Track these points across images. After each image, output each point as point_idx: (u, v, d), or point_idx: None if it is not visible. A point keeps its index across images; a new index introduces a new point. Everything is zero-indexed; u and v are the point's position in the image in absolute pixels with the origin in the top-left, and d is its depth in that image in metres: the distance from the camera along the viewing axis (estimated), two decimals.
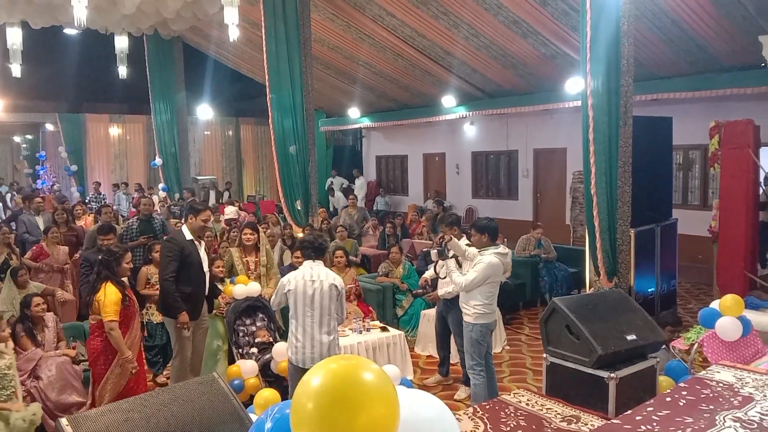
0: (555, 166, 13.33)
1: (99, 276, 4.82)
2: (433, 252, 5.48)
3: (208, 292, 5.49)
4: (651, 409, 2.94)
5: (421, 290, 6.09)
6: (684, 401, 3.01)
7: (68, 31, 13.60)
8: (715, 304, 4.91)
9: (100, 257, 5.02)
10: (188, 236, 5.28)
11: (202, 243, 5.49)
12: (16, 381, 4.46)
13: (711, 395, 3.06)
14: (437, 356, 6.23)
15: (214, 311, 5.80)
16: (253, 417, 2.72)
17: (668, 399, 3.06)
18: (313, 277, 4.67)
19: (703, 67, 9.36)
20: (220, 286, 5.92)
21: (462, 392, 5.75)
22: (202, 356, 5.60)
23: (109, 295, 4.65)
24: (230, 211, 12.38)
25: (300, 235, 9.14)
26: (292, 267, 6.65)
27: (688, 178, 11.15)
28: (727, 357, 4.48)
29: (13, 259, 7.38)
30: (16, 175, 20.97)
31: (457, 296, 5.61)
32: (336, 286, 4.68)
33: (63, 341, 5.53)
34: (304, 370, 4.57)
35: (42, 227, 8.33)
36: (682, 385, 3.30)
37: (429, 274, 6.00)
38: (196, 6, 11.15)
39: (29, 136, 20.24)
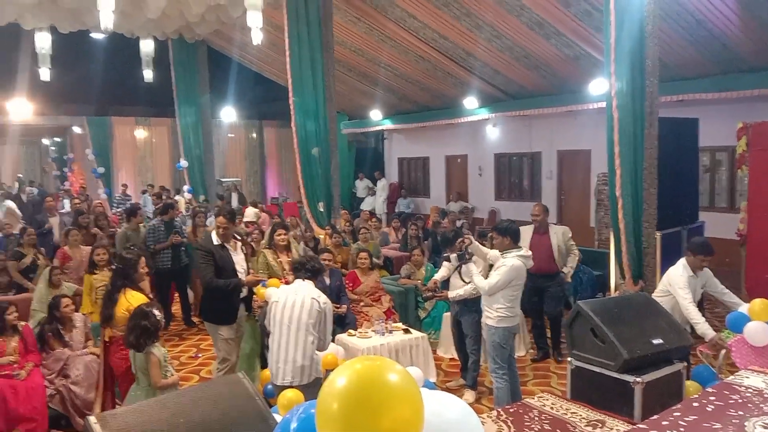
0: (579, 167, 13.22)
1: (115, 286, 4.72)
2: (453, 256, 5.45)
3: (246, 294, 5.52)
4: (678, 414, 2.91)
5: (430, 293, 6.05)
6: (712, 407, 2.97)
7: (95, 35, 13.80)
8: (743, 308, 4.83)
9: (113, 268, 4.98)
10: (216, 241, 5.34)
11: (237, 244, 5.53)
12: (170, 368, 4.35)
13: (740, 401, 3.01)
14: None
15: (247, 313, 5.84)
16: (278, 417, 2.74)
17: (695, 404, 3.02)
18: (297, 291, 4.61)
19: (729, 68, 9.23)
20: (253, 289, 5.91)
21: (469, 396, 5.71)
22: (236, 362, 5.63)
23: (137, 303, 4.48)
24: (249, 214, 12.46)
25: (321, 236, 9.20)
26: None
27: (714, 180, 11.00)
28: (756, 362, 4.41)
29: (40, 259, 7.53)
30: (44, 176, 21.38)
31: (470, 298, 5.60)
32: (318, 301, 4.51)
33: (91, 340, 5.62)
34: (278, 386, 4.46)
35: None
36: (710, 390, 3.26)
37: (439, 275, 5.96)
38: (220, 10, 11.26)
39: (57, 139, 20.62)
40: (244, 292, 5.50)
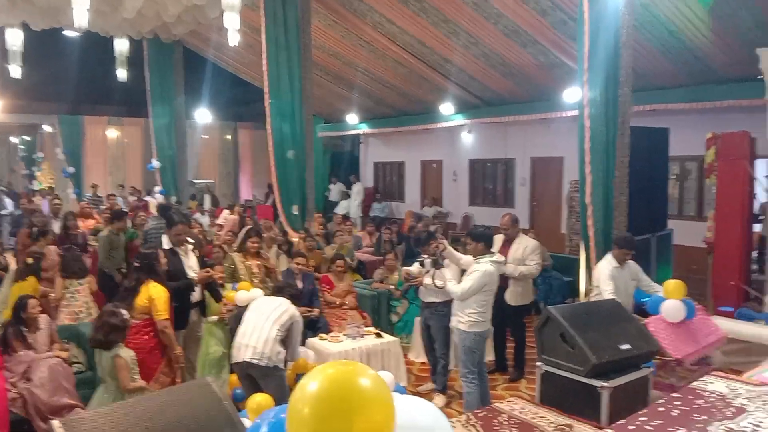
0: (552, 174, 13.37)
1: (138, 281, 4.81)
2: (428, 261, 5.46)
3: (200, 299, 5.44)
4: (644, 418, 2.96)
5: (407, 285, 6.12)
6: (677, 411, 3.02)
7: (68, 33, 13.59)
8: (660, 292, 5.22)
9: (135, 264, 5.01)
10: (166, 245, 5.27)
11: (188, 248, 5.44)
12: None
13: (704, 405, 3.08)
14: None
15: (216, 317, 5.78)
16: (246, 422, 2.72)
17: (661, 409, 3.07)
18: (276, 298, 4.95)
19: (700, 79, 9.41)
20: (222, 292, 5.84)
21: (438, 400, 5.71)
22: (195, 366, 5.57)
23: (161, 293, 4.68)
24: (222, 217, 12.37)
25: (296, 239, 9.15)
26: (290, 272, 6.65)
27: (683, 188, 11.20)
28: (675, 339, 4.71)
29: (8, 260, 7.38)
30: (12, 176, 20.94)
31: (440, 302, 5.62)
32: (287, 306, 4.78)
33: (57, 343, 5.50)
34: (235, 365, 4.76)
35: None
36: (675, 395, 3.31)
37: (410, 268, 5.91)
38: (197, 10, 11.17)
39: (27, 138, 20.21)
40: (196, 296, 5.39)
